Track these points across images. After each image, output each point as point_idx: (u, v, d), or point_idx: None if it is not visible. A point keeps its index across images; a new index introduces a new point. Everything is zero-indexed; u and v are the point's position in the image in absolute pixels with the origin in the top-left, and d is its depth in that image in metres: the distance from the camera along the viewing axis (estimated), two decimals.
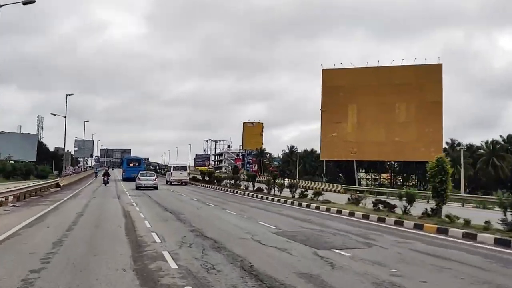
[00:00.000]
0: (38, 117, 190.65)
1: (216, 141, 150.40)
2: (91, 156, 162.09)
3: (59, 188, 34.02)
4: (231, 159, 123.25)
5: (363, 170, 69.95)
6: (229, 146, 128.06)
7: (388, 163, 69.40)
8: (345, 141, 60.66)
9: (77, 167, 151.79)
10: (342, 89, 61.46)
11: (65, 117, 53.82)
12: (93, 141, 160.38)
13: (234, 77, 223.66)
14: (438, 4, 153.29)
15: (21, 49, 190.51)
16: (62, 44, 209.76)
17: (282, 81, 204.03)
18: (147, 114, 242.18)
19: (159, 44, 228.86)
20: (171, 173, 45.47)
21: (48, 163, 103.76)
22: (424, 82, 58.39)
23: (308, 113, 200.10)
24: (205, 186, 43.45)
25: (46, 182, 33.77)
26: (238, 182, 36.75)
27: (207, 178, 46.74)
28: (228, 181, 40.08)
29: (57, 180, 37.24)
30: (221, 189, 38.10)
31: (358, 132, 60.53)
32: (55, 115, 49.38)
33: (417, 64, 58.87)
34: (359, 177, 68.54)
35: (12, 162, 64.86)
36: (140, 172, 38.81)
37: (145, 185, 34.07)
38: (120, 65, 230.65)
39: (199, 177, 52.83)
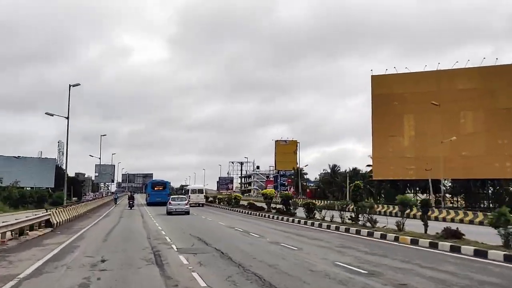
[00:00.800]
0: (58, 142, 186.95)
1: (241, 163, 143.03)
2: (112, 181, 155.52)
3: (49, 230, 20.27)
4: (260, 181, 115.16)
5: (419, 190, 61.06)
6: (258, 167, 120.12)
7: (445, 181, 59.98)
8: (401, 157, 52.21)
9: (98, 193, 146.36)
10: (396, 97, 53.31)
11: (67, 118, 44.64)
12: (113, 166, 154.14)
13: (256, 99, 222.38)
14: (465, 20, 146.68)
15: (46, 76, 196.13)
16: (86, 70, 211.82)
17: (304, 102, 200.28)
18: (169, 138, 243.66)
19: (181, 67, 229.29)
20: (189, 196, 47.54)
21: (67, 189, 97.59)
22: (494, 85, 49.83)
23: (331, 134, 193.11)
24: (227, 209, 44.35)
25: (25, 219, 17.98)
26: (289, 208, 29.72)
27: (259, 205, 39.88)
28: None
29: (47, 215, 21.44)
30: (249, 213, 35.32)
31: (417, 146, 51.95)
32: (52, 115, 39.19)
33: (485, 65, 50.49)
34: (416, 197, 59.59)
35: (24, 188, 58.24)
36: (172, 197, 38.21)
37: (177, 210, 33.15)
38: (143, 90, 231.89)
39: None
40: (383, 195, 60.21)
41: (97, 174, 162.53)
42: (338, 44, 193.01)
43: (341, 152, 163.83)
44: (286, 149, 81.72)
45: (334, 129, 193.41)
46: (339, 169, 73.47)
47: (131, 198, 46.28)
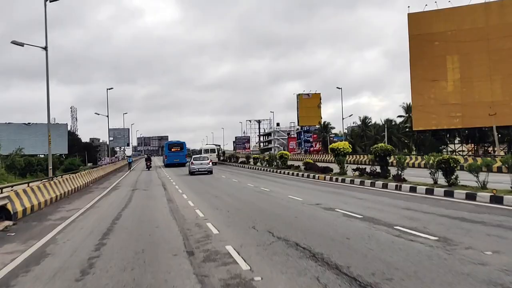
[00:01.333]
0: (71, 108, 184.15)
1: (259, 121, 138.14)
2: (128, 145, 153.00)
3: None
4: (282, 138, 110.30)
5: (459, 140, 55.65)
6: (278, 124, 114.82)
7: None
8: (445, 105, 46.56)
9: (114, 157, 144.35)
10: (438, 36, 47.11)
11: (45, 48, 41.85)
12: (128, 129, 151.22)
13: (271, 56, 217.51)
14: None
15: (58, 43, 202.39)
16: (97, 34, 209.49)
17: (319, 56, 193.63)
18: (184, 100, 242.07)
19: (193, 27, 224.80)
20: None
21: (81, 155, 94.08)
22: None
23: (347, 89, 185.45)
24: (267, 171, 34.93)
25: None
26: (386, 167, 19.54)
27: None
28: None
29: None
30: (313, 177, 25.32)
31: (463, 91, 46.17)
32: (22, 44, 33.07)
33: None
34: (455, 149, 54.39)
35: (35, 156, 54.49)
36: (193, 156, 36.88)
37: (199, 169, 32.38)
38: (156, 51, 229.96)
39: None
40: (420, 147, 54.79)
41: (111, 138, 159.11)
42: None
43: (357, 107, 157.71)
44: (309, 103, 76.20)
45: (350, 83, 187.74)
46: (370, 121, 68.22)
47: (148, 160, 48.80)
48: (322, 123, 75.04)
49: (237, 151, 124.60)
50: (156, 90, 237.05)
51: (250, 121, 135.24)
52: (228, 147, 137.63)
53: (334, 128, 69.99)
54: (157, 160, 77.78)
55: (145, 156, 74.53)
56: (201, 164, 32.94)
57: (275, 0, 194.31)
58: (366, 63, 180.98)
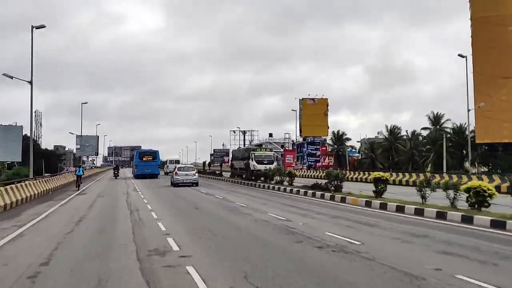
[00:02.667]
0: (35, 112, 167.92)
1: (244, 132, 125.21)
2: (96, 154, 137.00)
3: None
4: (276, 150, 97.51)
5: None
6: (270, 135, 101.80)
7: None
8: None
9: (70, 168, 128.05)
10: (510, 20, 35.74)
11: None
12: (97, 137, 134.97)
13: (252, 68, 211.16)
14: None
15: (33, 45, 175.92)
16: (75, 39, 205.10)
17: (301, 71, 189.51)
18: (160, 110, 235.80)
19: (175, 35, 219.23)
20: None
21: (37, 164, 79.49)
22: None
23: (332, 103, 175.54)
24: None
25: None
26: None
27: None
28: None
29: None
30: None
31: None
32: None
33: None
34: None
35: None
36: (178, 166, 33.86)
37: (184, 181, 29.18)
38: (134, 59, 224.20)
39: None
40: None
41: (78, 146, 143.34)
42: (342, 7, 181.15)
43: (335, 124, 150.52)
44: (314, 110, 64.07)
45: (330, 100, 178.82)
46: (400, 132, 56.19)
47: (116, 169, 51.27)
48: (335, 133, 63.13)
49: (214, 165, 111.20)
50: (131, 99, 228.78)
51: (234, 131, 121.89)
52: (202, 160, 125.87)
53: (350, 139, 56.86)
54: (127, 172, 69.33)
55: (113, 166, 72.74)
56: (186, 175, 30.06)
57: (261, 11, 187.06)
58: (347, 79, 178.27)
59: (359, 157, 60.58)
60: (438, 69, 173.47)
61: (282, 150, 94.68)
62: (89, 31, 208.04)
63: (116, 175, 47.63)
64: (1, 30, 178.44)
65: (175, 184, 29.44)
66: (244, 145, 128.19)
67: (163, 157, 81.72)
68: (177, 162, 57.39)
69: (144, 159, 45.84)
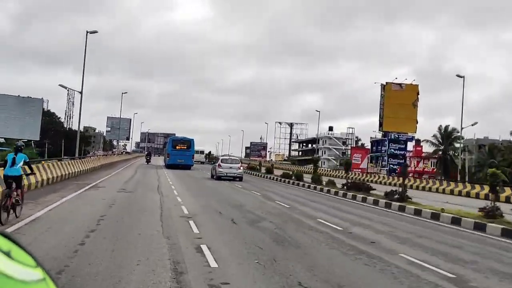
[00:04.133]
0: (68, 91, 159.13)
1: (291, 124, 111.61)
2: (128, 138, 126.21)
3: None
4: (335, 148, 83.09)
5: None
6: (331, 128, 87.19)
7: None
8: None
9: (110, 152, 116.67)
10: None
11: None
12: (130, 120, 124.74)
13: (295, 64, 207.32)
14: None
15: (80, 28, 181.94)
16: (121, 24, 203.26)
17: (344, 70, 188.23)
18: (199, 101, 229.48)
19: (222, 26, 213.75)
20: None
21: (57, 144, 68.78)
22: None
23: (362, 106, 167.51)
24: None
25: None
26: None
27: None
28: None
29: None
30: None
31: None
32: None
33: None
34: None
35: None
36: (221, 157, 31.83)
37: (228, 174, 27.07)
38: (179, 48, 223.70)
39: None
40: None
41: (109, 129, 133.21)
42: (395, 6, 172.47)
43: (371, 125, 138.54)
44: (400, 98, 49.73)
45: (369, 101, 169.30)
46: None
47: (149, 155, 56.62)
48: (441, 128, 48.53)
49: (251, 158, 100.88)
50: (172, 88, 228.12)
51: (280, 123, 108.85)
52: (235, 154, 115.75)
53: (463, 138, 41.69)
54: (159, 160, 61.21)
55: (146, 152, 74.61)
56: (230, 168, 27.40)
57: (311, 5, 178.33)
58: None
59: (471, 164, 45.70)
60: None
61: (343, 147, 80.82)
62: (136, 16, 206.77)
63: (148, 161, 51.30)
64: (48, 11, 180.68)
65: (217, 177, 27.14)
66: (291, 139, 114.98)
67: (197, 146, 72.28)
68: (202, 152, 65.67)
69: (177, 147, 42.29)
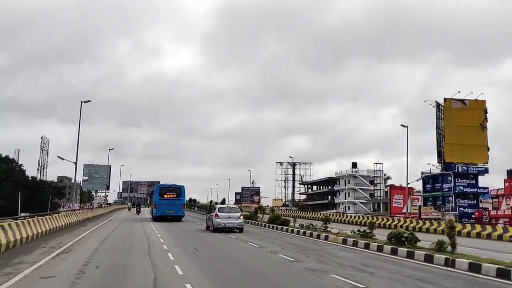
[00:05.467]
0: (41, 138, 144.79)
1: (294, 164, 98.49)
2: (107, 188, 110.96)
3: None
4: (362, 188, 69.13)
5: None
6: (354, 165, 72.91)
7: None
8: None
9: (89, 204, 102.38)
10: None
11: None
12: (109, 167, 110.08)
13: (285, 108, 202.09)
14: None
15: (66, 78, 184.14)
16: (109, 73, 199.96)
17: (334, 112, 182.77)
18: (187, 149, 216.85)
19: (212, 72, 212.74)
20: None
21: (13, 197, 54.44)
22: None
23: (354, 147, 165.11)
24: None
25: None
26: None
27: None
28: None
29: None
30: None
31: None
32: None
33: None
34: None
35: None
36: (219, 206, 27.73)
37: (227, 225, 24.38)
38: (167, 96, 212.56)
39: None
40: None
41: (85, 178, 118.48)
42: (385, 48, 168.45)
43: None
44: (465, 119, 37.44)
45: (360, 142, 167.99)
46: None
47: (138, 206, 58.78)
48: None
49: (242, 204, 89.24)
50: (159, 137, 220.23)
51: (281, 163, 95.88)
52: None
53: None
54: (145, 212, 55.61)
55: (132, 202, 77.41)
56: (229, 217, 24.66)
57: (301, 49, 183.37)
58: (380, 122, 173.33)
59: None
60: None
61: (371, 187, 67.26)
62: (123, 65, 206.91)
63: (138, 212, 53.00)
64: (34, 60, 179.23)
65: (215, 229, 24.05)
66: (294, 180, 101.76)
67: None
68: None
69: (166, 196, 38.10)
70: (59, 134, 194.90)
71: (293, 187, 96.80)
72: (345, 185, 70.85)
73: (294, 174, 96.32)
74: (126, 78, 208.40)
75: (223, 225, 24.18)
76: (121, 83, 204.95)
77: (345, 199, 67.46)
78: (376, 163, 69.47)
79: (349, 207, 64.41)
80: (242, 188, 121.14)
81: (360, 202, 65.87)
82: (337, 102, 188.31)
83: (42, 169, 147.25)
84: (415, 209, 44.79)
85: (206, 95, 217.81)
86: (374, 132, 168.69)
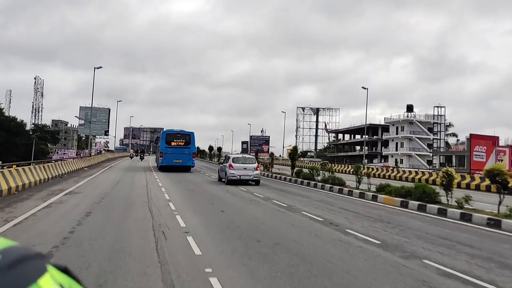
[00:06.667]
0: (35, 78, 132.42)
1: (317, 110, 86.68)
2: (106, 133, 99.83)
3: None
4: (420, 137, 56.70)
5: None
6: (410, 108, 60.09)
7: None
8: None
9: (87, 151, 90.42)
10: None
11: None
12: (109, 110, 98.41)
13: (295, 55, 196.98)
14: None
15: (71, 20, 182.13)
16: (114, 17, 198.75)
17: (345, 61, 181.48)
18: (191, 97, 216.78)
19: (222, 16, 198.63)
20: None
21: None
22: None
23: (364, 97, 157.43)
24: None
25: None
26: None
27: None
28: None
29: None
30: None
31: None
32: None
33: None
34: None
35: None
36: (233, 156, 24.52)
37: (242, 177, 22.07)
38: (176, 40, 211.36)
39: None
40: None
41: (82, 121, 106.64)
42: None
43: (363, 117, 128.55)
44: None
45: (370, 92, 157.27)
46: None
47: (142, 152, 60.91)
48: None
49: (250, 154, 77.68)
50: (165, 83, 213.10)
51: (303, 108, 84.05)
52: (226, 150, 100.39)
53: None
54: (149, 161, 47.81)
55: (135, 150, 75.20)
56: (245, 168, 22.31)
57: None
58: (392, 71, 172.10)
59: None
60: None
61: (431, 136, 55.12)
62: (129, 7, 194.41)
63: (142, 158, 53.98)
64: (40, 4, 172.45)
65: (229, 181, 21.78)
66: (317, 129, 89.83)
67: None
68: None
69: (173, 143, 34.15)
70: (64, 79, 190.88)
71: (316, 135, 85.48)
72: (397, 133, 59.36)
73: (317, 120, 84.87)
74: (131, 22, 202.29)
75: (238, 176, 22.24)
76: (126, 27, 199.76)
77: (397, 150, 56.02)
78: (437, 107, 56.96)
79: (401, 160, 53.35)
80: (251, 136, 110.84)
81: (416, 154, 54.45)
82: (349, 51, 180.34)
83: (36, 112, 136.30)
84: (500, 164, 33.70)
85: (214, 42, 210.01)
86: (384, 82, 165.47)
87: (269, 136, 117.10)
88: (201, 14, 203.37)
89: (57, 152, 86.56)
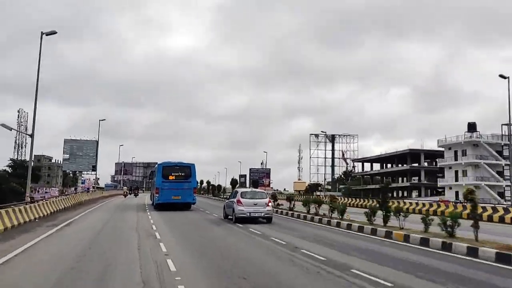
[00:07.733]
0: (18, 112, 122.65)
1: (333, 136, 76.99)
2: (93, 169, 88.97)
3: None
4: (487, 164, 46.12)
5: None
6: (472, 126, 48.72)
7: None
8: None
9: (73, 188, 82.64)
10: None
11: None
12: (96, 142, 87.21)
13: (292, 87, 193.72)
14: None
15: (65, 55, 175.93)
16: (110, 49, 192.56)
17: (341, 92, 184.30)
18: (187, 129, 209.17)
19: (218, 50, 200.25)
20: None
21: None
22: None
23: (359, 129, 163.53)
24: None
25: None
26: None
27: None
28: None
29: None
30: None
31: None
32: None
33: None
34: None
35: None
36: (241, 190, 22.83)
37: (252, 214, 20.31)
38: (171, 74, 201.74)
39: None
40: None
41: (67, 156, 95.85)
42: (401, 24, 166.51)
43: (361, 149, 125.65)
44: None
45: (364, 124, 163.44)
46: None
47: (136, 189, 62.85)
48: None
49: (251, 187, 68.67)
50: (158, 117, 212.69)
51: (316, 135, 74.27)
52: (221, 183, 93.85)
53: None
54: (134, 199, 43.60)
55: (128, 187, 69.45)
56: (255, 204, 20.39)
57: (318, 22, 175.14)
58: (386, 103, 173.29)
59: None
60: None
61: (502, 162, 44.01)
62: (125, 41, 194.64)
63: (136, 195, 54.59)
64: (33, 37, 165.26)
65: (237, 219, 19.94)
66: (333, 157, 79.49)
67: None
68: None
69: (171, 177, 31.00)
70: (59, 116, 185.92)
71: (333, 166, 75.15)
72: (456, 159, 48.58)
73: (333, 149, 74.96)
74: (127, 55, 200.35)
75: (248, 214, 20.11)
76: (122, 61, 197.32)
77: (457, 180, 45.38)
78: (504, 124, 46.64)
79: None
80: (250, 169, 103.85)
81: (486, 185, 44.01)
82: (346, 82, 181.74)
83: (19, 148, 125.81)
84: None
85: (210, 74, 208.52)
86: (379, 113, 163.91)
87: (269, 169, 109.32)
88: (197, 48, 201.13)
89: (38, 191, 76.32)
